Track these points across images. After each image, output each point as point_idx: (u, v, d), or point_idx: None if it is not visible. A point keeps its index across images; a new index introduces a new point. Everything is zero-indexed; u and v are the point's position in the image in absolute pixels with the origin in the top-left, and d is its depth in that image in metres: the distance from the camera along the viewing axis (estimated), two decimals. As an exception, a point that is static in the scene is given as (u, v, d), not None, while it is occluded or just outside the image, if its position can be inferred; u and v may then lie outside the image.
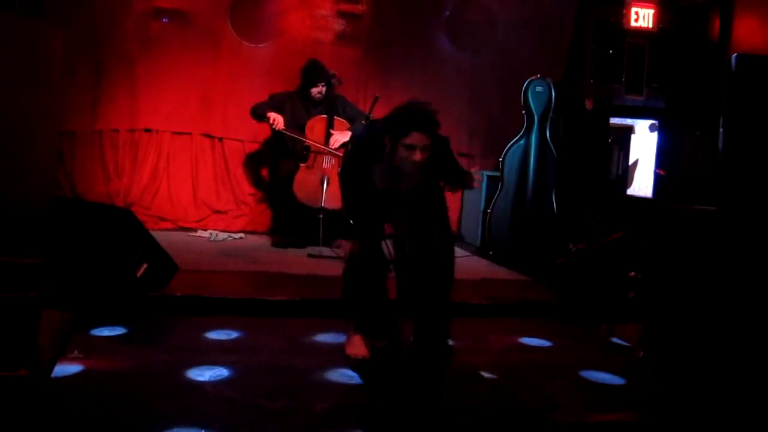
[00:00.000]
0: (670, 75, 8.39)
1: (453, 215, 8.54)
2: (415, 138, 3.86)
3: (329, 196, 6.69)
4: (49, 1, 7.40)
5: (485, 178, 7.82)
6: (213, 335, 4.55)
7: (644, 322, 5.33)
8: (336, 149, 6.95)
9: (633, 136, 8.28)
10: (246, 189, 8.09)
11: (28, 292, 4.53)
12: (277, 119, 6.96)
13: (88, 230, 4.76)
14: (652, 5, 8.01)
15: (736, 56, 6.67)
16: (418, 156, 3.88)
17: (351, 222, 4.20)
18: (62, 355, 4.01)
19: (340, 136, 7.00)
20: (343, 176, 4.41)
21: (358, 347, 4.17)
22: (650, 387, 4.35)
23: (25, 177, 6.14)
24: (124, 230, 4.82)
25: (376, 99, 6.26)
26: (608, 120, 8.09)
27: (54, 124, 6.81)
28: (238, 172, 8.08)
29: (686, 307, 5.21)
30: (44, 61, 6.42)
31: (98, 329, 4.45)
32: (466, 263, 7.03)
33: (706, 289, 5.19)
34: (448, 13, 8.46)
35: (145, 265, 4.81)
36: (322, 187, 6.75)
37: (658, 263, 5.58)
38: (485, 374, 4.24)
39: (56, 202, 5.34)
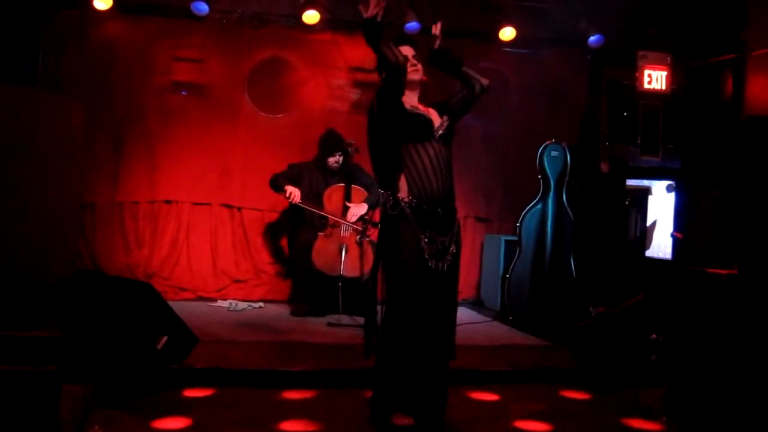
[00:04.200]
0: (685, 135, 8.41)
1: (472, 280, 8.59)
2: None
3: (348, 264, 6.73)
4: (70, 77, 7.61)
5: (503, 243, 7.85)
6: (231, 408, 4.53)
7: (667, 385, 5.28)
8: (353, 222, 7.00)
9: (650, 197, 8.27)
10: (265, 258, 8.14)
11: (49, 366, 4.55)
12: (294, 193, 7.00)
13: (109, 304, 4.80)
14: (664, 67, 8.06)
15: (746, 119, 6.68)
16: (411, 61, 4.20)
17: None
18: (83, 431, 4.01)
19: (357, 209, 7.04)
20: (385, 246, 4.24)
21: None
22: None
23: (47, 250, 6.20)
24: (144, 303, 4.86)
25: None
26: (625, 182, 8.10)
27: (75, 197, 6.88)
28: (258, 242, 8.15)
29: (709, 370, 5.15)
30: (66, 136, 6.51)
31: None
32: (487, 329, 7.01)
33: (728, 353, 5.14)
34: (462, 80, 8.50)
35: (165, 338, 4.84)
36: (340, 255, 6.79)
37: (679, 326, 5.54)
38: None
39: (78, 276, 5.39)
